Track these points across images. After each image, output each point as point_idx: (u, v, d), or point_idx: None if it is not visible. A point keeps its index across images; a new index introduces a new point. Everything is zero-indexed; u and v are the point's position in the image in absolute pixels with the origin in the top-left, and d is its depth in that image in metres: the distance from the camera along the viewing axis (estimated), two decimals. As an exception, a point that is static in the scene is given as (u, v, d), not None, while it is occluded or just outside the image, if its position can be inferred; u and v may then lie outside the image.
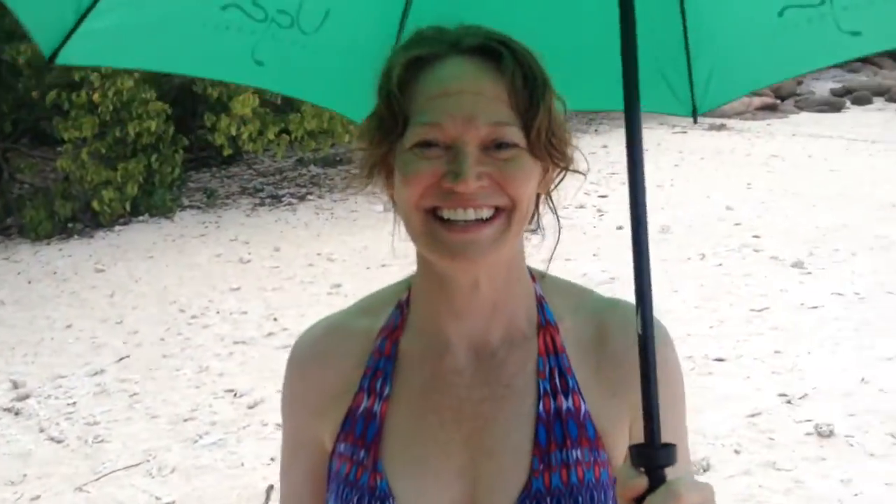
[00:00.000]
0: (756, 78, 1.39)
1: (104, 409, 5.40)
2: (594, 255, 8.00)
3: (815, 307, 6.19)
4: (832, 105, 19.98)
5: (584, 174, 1.05)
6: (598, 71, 1.22)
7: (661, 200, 10.37)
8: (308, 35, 1.27)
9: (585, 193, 10.96)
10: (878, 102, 20.54)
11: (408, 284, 1.06)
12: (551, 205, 1.04)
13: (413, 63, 0.94)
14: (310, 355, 1.07)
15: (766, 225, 8.82)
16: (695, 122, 1.44)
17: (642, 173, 1.03)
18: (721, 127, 16.86)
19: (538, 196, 1.01)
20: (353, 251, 8.23)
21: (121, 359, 6.32)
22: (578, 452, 0.97)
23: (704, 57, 1.33)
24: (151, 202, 10.62)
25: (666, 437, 0.90)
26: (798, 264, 7.27)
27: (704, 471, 3.96)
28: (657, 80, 1.33)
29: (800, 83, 22.74)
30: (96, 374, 6.04)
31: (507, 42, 0.94)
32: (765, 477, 3.89)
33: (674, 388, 1.03)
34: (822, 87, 22.41)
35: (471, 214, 0.90)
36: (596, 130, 17.01)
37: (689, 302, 6.52)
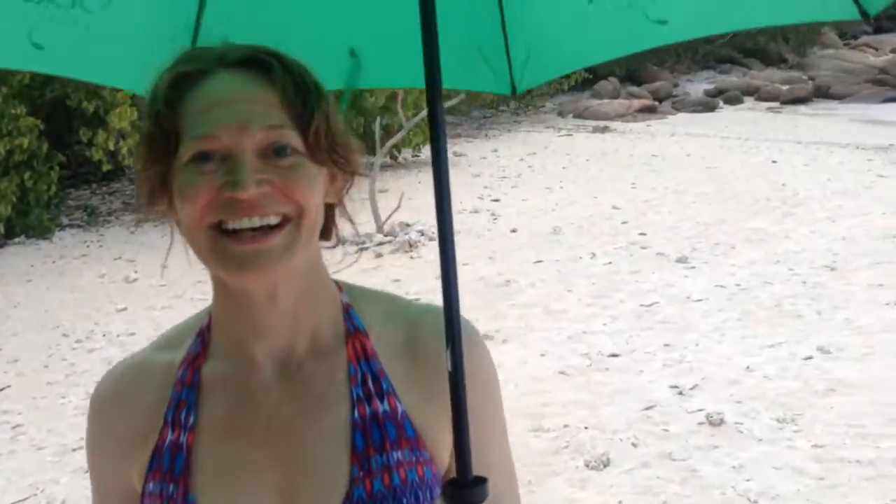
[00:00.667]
0: (570, 61, 1.42)
1: (-17, 444, 5.07)
2: (490, 258, 8.11)
3: (700, 300, 6.47)
4: (706, 105, 20.99)
5: (366, 176, 1.04)
6: (407, 48, 1.20)
7: (551, 202, 10.63)
8: (93, 14, 1.20)
9: (479, 198, 11.11)
10: (749, 101, 21.74)
11: (209, 311, 1.04)
12: (347, 214, 1.02)
13: (180, 80, 0.92)
14: (109, 399, 1.03)
15: (650, 223, 9.17)
16: (513, 97, 1.48)
17: (449, 204, 1.03)
18: (605, 129, 17.45)
19: (332, 206, 1.00)
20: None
21: (1, 389, 5.96)
22: (399, 454, 0.96)
23: (521, 37, 1.35)
24: (27, 222, 10.07)
25: (493, 453, 0.94)
26: (682, 259, 7.58)
27: (605, 465, 4.06)
28: (475, 58, 1.34)
29: (676, 85, 23.80)
30: (-27, 407, 5.67)
31: (275, 53, 0.94)
32: (661, 468, 4.02)
33: (492, 395, 1.04)
34: (697, 89, 23.52)
35: (256, 221, 0.88)
36: (486, 135, 17.28)
37: (582, 300, 6.69)
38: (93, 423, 1.04)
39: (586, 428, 4.47)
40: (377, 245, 8.73)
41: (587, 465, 4.06)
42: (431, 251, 8.44)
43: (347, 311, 1.02)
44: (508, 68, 1.38)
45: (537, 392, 5.01)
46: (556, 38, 1.31)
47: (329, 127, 0.94)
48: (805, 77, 23.81)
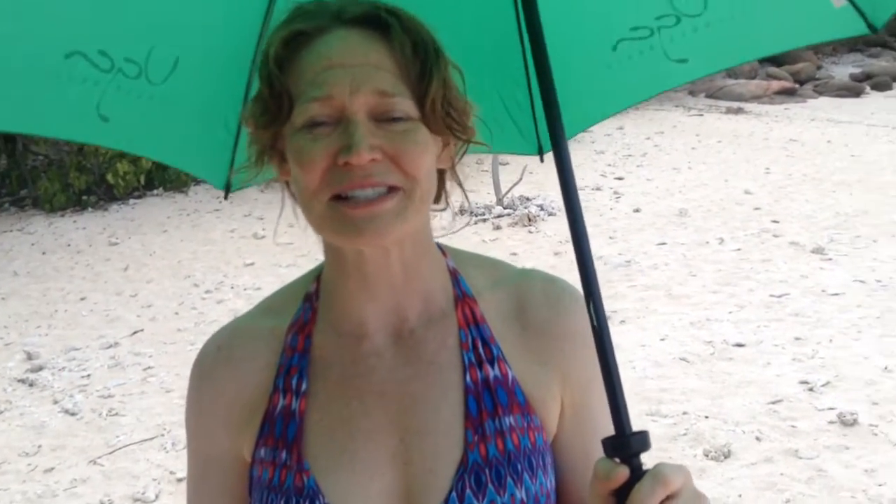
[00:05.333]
0: (595, 112, 1.41)
1: (118, 382, 5.38)
2: (610, 237, 7.93)
3: (837, 294, 6.10)
4: (851, 90, 19.73)
5: (487, 146, 1.01)
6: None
7: (678, 184, 10.27)
8: (156, 86, 1.16)
9: (602, 175, 10.87)
10: (899, 88, 20.28)
11: (314, 276, 1.03)
12: (458, 179, 1.00)
13: (293, 39, 0.89)
14: (217, 362, 1.01)
15: (785, 210, 8.72)
16: (541, 161, 1.44)
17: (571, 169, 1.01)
18: (738, 111, 16.69)
19: (443, 172, 0.98)
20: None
21: (134, 332, 6.31)
22: (511, 419, 0.94)
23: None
24: (166, 176, 10.58)
25: (606, 400, 0.92)
26: (818, 250, 7.17)
27: (725, 457, 3.91)
28: (504, 119, 1.33)
29: (819, 67, 22.49)
30: (110, 346, 6.03)
31: (393, 10, 0.90)
32: (786, 465, 3.83)
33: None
34: (842, 72, 22.15)
35: (370, 193, 0.86)
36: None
37: (707, 286, 6.44)
38: (199, 387, 1.02)
39: (707, 417, 4.30)
40: (496, 217, 8.69)
41: (706, 455, 3.91)
42: (550, 226, 8.33)
43: (455, 277, 1.01)
44: (535, 129, 1.38)
45: (656, 377, 4.86)
46: (581, 91, 1.30)
47: (446, 91, 0.91)
48: (965, 64, 22.01)
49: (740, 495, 3.60)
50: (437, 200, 0.98)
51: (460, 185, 1.00)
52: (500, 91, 1.30)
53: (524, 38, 1.30)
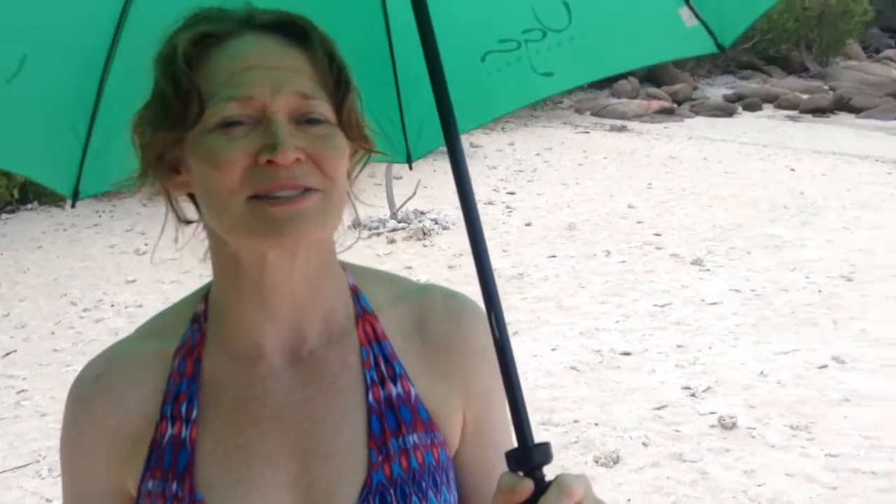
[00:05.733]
0: (464, 122, 1.47)
1: (-13, 407, 5.05)
2: (503, 251, 8.05)
3: (715, 303, 6.39)
4: (725, 110, 20.83)
5: (388, 156, 1.04)
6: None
7: (566, 198, 10.56)
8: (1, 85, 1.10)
9: (494, 190, 11.05)
10: (768, 109, 21.56)
11: (201, 296, 0.98)
12: (351, 193, 0.98)
13: (200, 40, 0.86)
14: (94, 392, 0.93)
15: (666, 223, 9.09)
16: (410, 168, 1.51)
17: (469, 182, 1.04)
18: (622, 128, 17.33)
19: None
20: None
21: (7, 353, 5.94)
22: (415, 437, 0.93)
23: (415, 107, 1.39)
24: (41, 189, 10.05)
25: (507, 413, 0.92)
26: (697, 261, 7.51)
27: (614, 463, 4.01)
28: (374, 131, 1.39)
29: (695, 88, 23.64)
30: (-21, 370, 5.65)
31: (308, 21, 0.90)
32: (672, 468, 3.97)
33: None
34: (716, 93, 23.35)
35: (291, 193, 0.84)
36: (503, 128, 17.19)
37: (595, 297, 6.63)
38: (76, 418, 0.94)
39: (596, 424, 4.41)
40: (390, 231, 8.68)
41: (596, 462, 4.01)
42: (445, 240, 8.39)
43: (356, 293, 0.98)
44: (404, 139, 1.41)
45: (548, 386, 4.95)
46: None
47: (355, 103, 0.92)
48: (826, 87, 23.61)
49: (629, 500, 3.70)
50: None
51: (355, 198, 0.99)
52: (373, 109, 1.31)
53: (395, 58, 1.33)
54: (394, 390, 0.94)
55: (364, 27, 1.28)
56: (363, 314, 0.97)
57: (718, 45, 1.32)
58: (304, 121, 0.86)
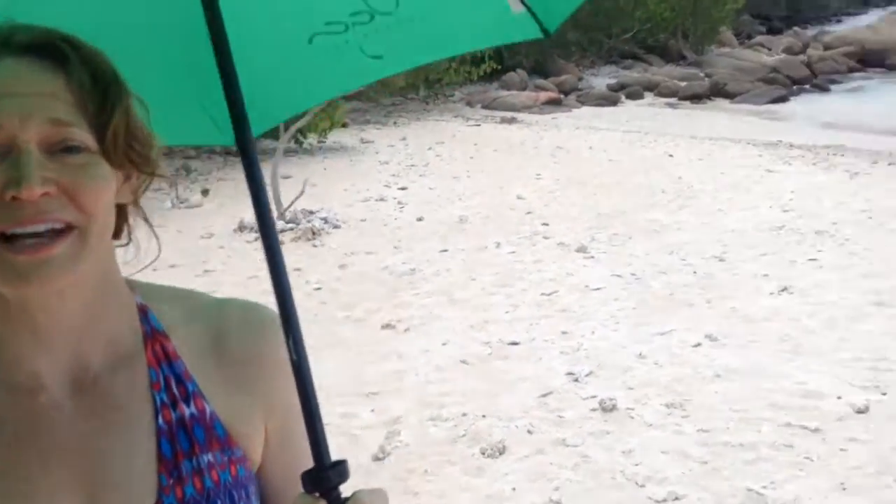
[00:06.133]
0: (292, 104, 1.49)
1: None
2: (395, 247, 8.09)
3: (598, 289, 6.64)
4: (609, 99, 21.51)
5: (168, 178, 0.99)
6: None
7: (458, 192, 10.69)
8: None
9: (386, 186, 11.07)
10: (649, 97, 22.38)
11: None
12: (143, 215, 0.96)
13: None
14: None
15: (553, 213, 9.34)
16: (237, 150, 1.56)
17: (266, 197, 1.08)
18: (512, 120, 17.65)
19: (124, 206, 0.93)
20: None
21: None
22: (210, 456, 0.92)
23: (242, 88, 1.38)
24: None
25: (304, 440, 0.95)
26: (582, 249, 7.76)
27: (500, 453, 4.13)
28: (200, 113, 1.35)
29: (581, 79, 24.28)
30: None
31: (70, 39, 0.86)
32: (555, 454, 4.11)
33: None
34: (601, 83, 24.05)
35: (40, 228, 0.81)
36: (395, 123, 17.23)
37: (486, 289, 6.76)
38: None
39: (484, 416, 4.52)
40: (278, 232, 8.57)
41: (483, 454, 4.11)
42: (335, 239, 8.37)
43: (144, 313, 0.95)
44: (233, 120, 1.42)
45: (438, 381, 5.04)
46: (278, 84, 1.35)
47: (129, 123, 0.87)
48: (702, 74, 24.67)
49: (514, 489, 3.82)
50: (117, 236, 0.93)
51: (146, 220, 0.96)
52: (200, 96, 1.30)
53: (218, 38, 1.31)
54: (186, 410, 0.93)
55: (184, 24, 1.25)
56: (152, 334, 0.95)
57: (544, 31, 1.37)
58: (60, 150, 0.82)
